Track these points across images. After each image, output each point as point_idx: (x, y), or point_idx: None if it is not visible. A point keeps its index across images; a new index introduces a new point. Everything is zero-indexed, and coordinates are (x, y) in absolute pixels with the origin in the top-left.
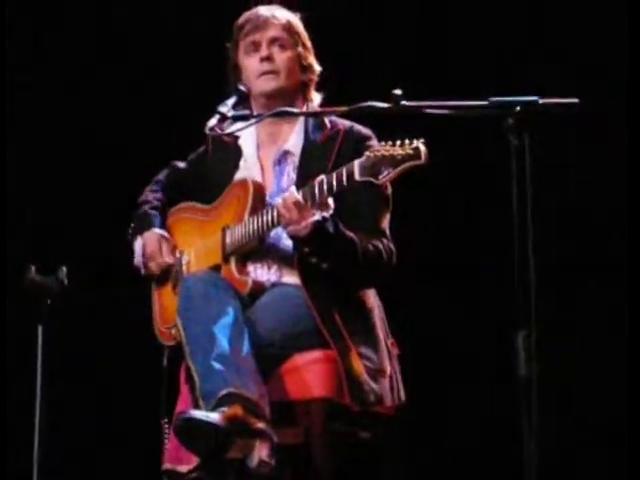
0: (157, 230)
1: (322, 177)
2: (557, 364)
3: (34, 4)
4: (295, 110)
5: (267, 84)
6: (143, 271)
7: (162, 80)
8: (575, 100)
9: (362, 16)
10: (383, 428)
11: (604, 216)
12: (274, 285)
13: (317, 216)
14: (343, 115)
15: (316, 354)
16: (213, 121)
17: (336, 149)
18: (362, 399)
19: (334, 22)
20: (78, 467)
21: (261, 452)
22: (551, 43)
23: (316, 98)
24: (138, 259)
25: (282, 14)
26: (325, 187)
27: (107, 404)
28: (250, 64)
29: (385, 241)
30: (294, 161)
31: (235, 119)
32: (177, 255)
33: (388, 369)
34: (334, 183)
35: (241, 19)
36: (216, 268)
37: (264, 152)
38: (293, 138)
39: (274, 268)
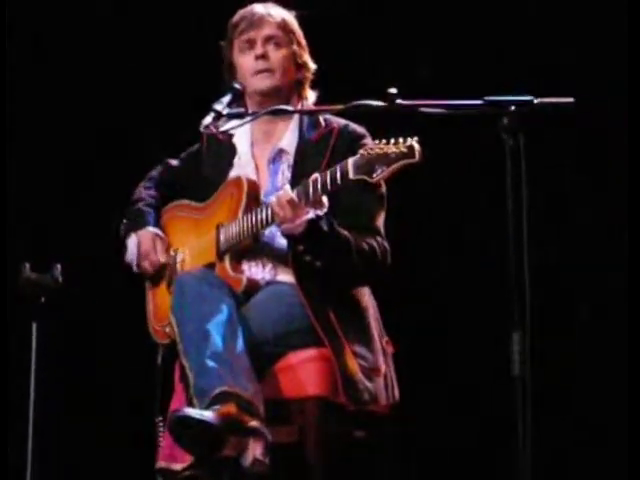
0: (151, 228)
1: (316, 175)
2: (556, 364)
3: (34, 4)
4: (290, 108)
5: (262, 82)
6: (135, 269)
7: (160, 79)
8: (570, 100)
9: (358, 14)
10: (378, 427)
11: (602, 216)
12: (268, 283)
13: (311, 214)
14: (338, 113)
15: (310, 352)
16: (208, 119)
17: (330, 147)
18: (357, 398)
19: (329, 19)
20: (72, 465)
21: (255, 451)
22: (548, 43)
23: (311, 96)
24: (131, 257)
25: (277, 12)
26: (319, 185)
27: (101, 403)
28: (245, 62)
29: (379, 239)
30: (289, 159)
31: (230, 117)
32: (171, 253)
33: (383, 368)
34: (328, 181)
35: (236, 17)
36: (210, 266)
37: (258, 150)
38: (288, 136)
39: (269, 266)
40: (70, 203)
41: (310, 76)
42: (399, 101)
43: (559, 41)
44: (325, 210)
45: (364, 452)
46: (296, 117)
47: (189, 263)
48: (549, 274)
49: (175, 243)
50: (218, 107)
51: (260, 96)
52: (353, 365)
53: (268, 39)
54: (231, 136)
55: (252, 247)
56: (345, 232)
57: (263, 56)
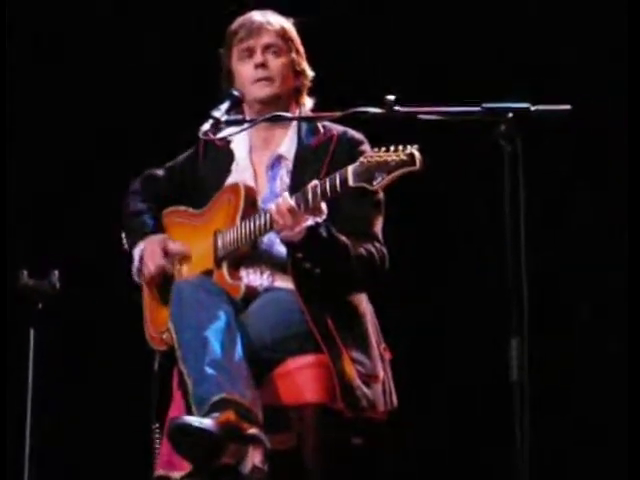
0: (159, 234)
1: (315, 182)
2: (556, 366)
3: (34, 4)
4: (289, 115)
5: (262, 91)
6: (137, 278)
7: (160, 80)
8: (567, 107)
9: (357, 20)
10: (376, 433)
11: (601, 219)
12: (267, 290)
13: (310, 221)
14: (337, 120)
15: (308, 359)
16: (207, 125)
17: (329, 154)
18: (355, 404)
19: (329, 26)
20: (69, 472)
21: (254, 458)
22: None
23: (308, 103)
24: (135, 264)
25: (276, 20)
26: (319, 192)
27: (98, 409)
28: (244, 70)
29: (378, 245)
30: (287, 165)
31: (228, 124)
32: (168, 260)
33: (381, 374)
34: (328, 189)
35: (234, 25)
36: (208, 273)
37: (257, 156)
38: (286, 143)
39: (267, 273)
40: (68, 209)
41: (308, 83)
42: (397, 108)
43: (558, 42)
44: (324, 217)
45: (362, 458)
46: (294, 124)
47: (187, 270)
48: (547, 278)
49: None
50: (216, 114)
51: (259, 104)
52: (351, 371)
53: (267, 47)
54: (229, 142)
55: (250, 254)
56: (344, 238)
57: (263, 64)
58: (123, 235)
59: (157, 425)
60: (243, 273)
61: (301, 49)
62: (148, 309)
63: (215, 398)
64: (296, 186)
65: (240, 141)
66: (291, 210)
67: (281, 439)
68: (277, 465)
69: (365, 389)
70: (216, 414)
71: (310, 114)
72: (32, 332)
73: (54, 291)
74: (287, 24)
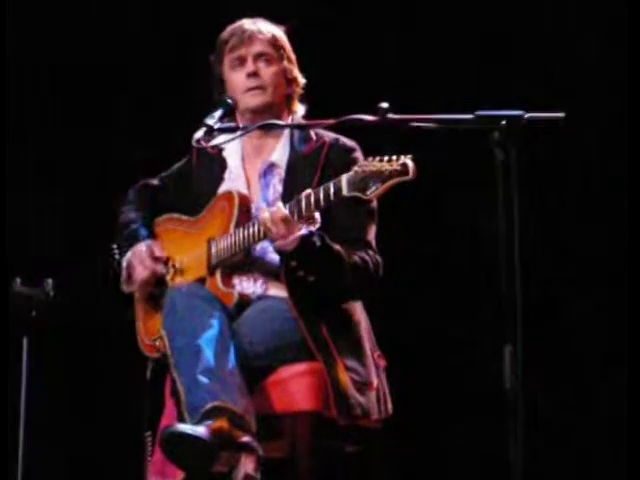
0: (147, 241)
1: (309, 191)
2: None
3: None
4: (282, 123)
5: (254, 100)
6: (126, 287)
7: (150, 92)
8: (561, 114)
9: (349, 28)
10: (370, 441)
11: (601, 230)
12: (260, 298)
13: (304, 230)
14: (330, 127)
15: (302, 367)
16: (200, 133)
17: (322, 161)
18: (348, 412)
19: (320, 33)
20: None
21: (247, 466)
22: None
23: (300, 110)
24: (123, 272)
25: (267, 28)
26: (312, 201)
27: (91, 417)
28: (236, 79)
29: (371, 253)
30: (280, 173)
31: (221, 131)
32: (161, 266)
33: (375, 382)
34: (322, 198)
35: (225, 33)
36: (201, 280)
37: (249, 164)
38: (279, 150)
39: (260, 281)
40: (62, 218)
41: (300, 91)
42: (390, 115)
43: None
44: (318, 226)
45: (356, 466)
46: (287, 131)
47: (180, 277)
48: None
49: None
50: (210, 121)
51: (251, 113)
52: (345, 379)
53: (259, 56)
54: (221, 150)
55: (243, 261)
56: (337, 247)
57: (255, 73)
58: (114, 245)
59: (149, 433)
60: (236, 281)
61: (292, 56)
62: (140, 316)
63: (208, 406)
64: (289, 194)
65: (233, 149)
66: (285, 219)
67: (274, 447)
68: (270, 473)
69: (359, 397)
70: (209, 422)
71: (302, 121)
72: (25, 340)
73: (48, 299)
74: (278, 32)
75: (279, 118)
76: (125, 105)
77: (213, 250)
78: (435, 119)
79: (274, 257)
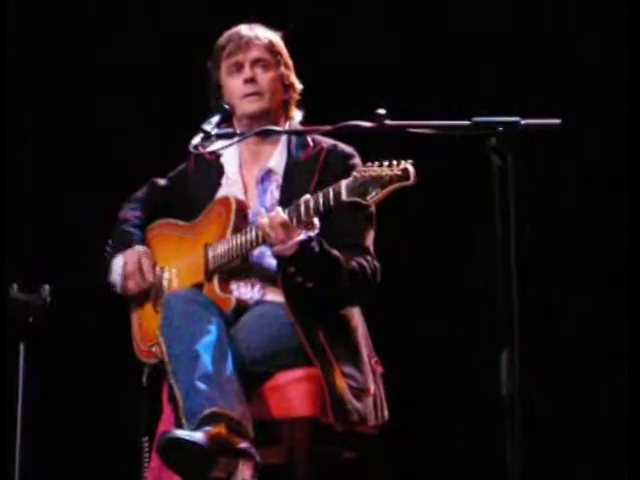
0: (138, 247)
1: (308, 196)
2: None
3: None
4: (279, 129)
5: (251, 106)
6: (119, 290)
7: (149, 96)
8: (557, 121)
9: (349, 31)
10: (367, 447)
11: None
12: (257, 303)
13: (302, 235)
14: (327, 133)
15: (299, 373)
16: (197, 139)
17: (319, 167)
18: (345, 418)
19: (319, 39)
20: None
21: (244, 472)
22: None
23: (297, 115)
24: (115, 277)
25: (264, 34)
26: (311, 207)
27: (88, 423)
28: (233, 85)
29: (369, 258)
30: (277, 179)
31: (219, 137)
32: (157, 272)
33: (372, 388)
34: (321, 203)
35: (222, 39)
36: (198, 286)
37: (247, 170)
38: (276, 156)
39: (257, 286)
40: (58, 222)
41: (297, 96)
42: (388, 121)
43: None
44: (316, 231)
45: (353, 473)
46: (284, 137)
47: (176, 283)
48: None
49: (161, 262)
50: (207, 127)
51: (249, 119)
52: (342, 385)
53: (256, 62)
54: (219, 156)
55: (241, 267)
56: (336, 252)
57: (252, 79)
58: (110, 241)
59: (147, 439)
60: (234, 286)
61: (289, 62)
62: (136, 322)
63: (206, 412)
64: (286, 200)
65: (230, 155)
66: (284, 224)
67: (272, 453)
68: (267, 479)
69: (356, 403)
70: (207, 428)
71: (299, 127)
72: (22, 346)
73: (45, 305)
74: (275, 38)
75: (276, 124)
76: (125, 105)
77: (210, 255)
78: (432, 125)
79: (271, 262)
